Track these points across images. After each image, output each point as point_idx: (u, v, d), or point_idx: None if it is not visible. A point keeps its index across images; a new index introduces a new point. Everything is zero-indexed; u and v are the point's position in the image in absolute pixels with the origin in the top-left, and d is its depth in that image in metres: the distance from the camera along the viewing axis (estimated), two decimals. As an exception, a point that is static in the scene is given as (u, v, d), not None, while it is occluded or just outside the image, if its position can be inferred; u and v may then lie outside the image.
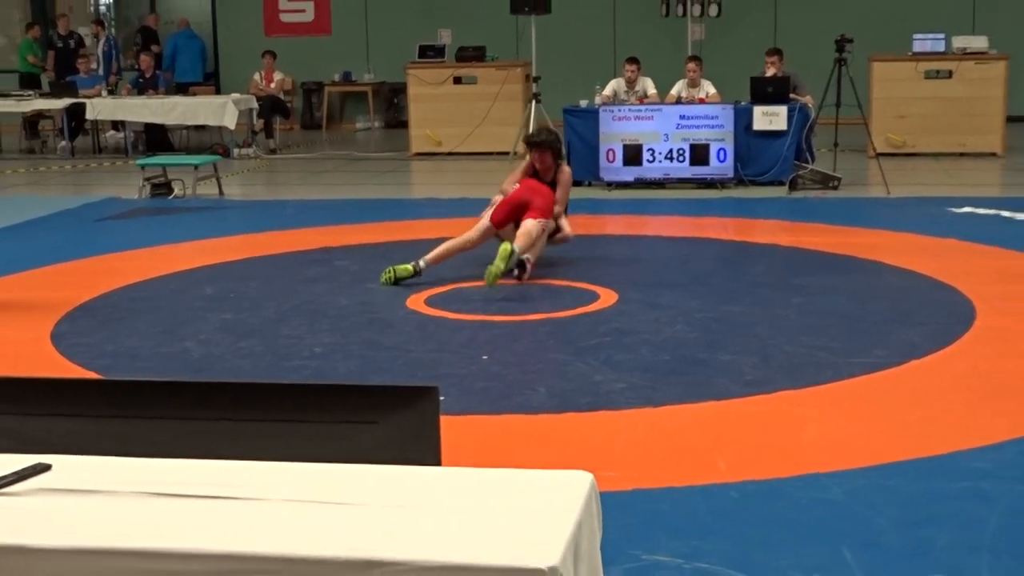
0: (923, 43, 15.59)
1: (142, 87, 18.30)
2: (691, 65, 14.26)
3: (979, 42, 15.52)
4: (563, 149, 9.33)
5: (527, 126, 15.85)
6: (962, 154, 15.31)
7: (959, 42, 15.55)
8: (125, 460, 2.67)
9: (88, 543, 2.28)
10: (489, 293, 8.29)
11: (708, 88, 14.18)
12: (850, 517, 4.45)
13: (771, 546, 4.22)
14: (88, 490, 2.48)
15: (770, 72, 14.25)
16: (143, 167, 13.54)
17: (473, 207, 10.29)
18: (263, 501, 2.44)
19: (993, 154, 15.27)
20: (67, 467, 2.59)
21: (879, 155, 14.15)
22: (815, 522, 4.42)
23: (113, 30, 21.84)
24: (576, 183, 13.46)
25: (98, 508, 2.42)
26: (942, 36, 15.63)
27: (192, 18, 21.05)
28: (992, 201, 11.83)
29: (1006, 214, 11.06)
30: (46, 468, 2.57)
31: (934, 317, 7.39)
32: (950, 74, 15.38)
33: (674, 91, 14.29)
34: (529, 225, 8.81)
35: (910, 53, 15.56)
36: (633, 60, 14.49)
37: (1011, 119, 15.70)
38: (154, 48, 19.96)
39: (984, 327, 7.13)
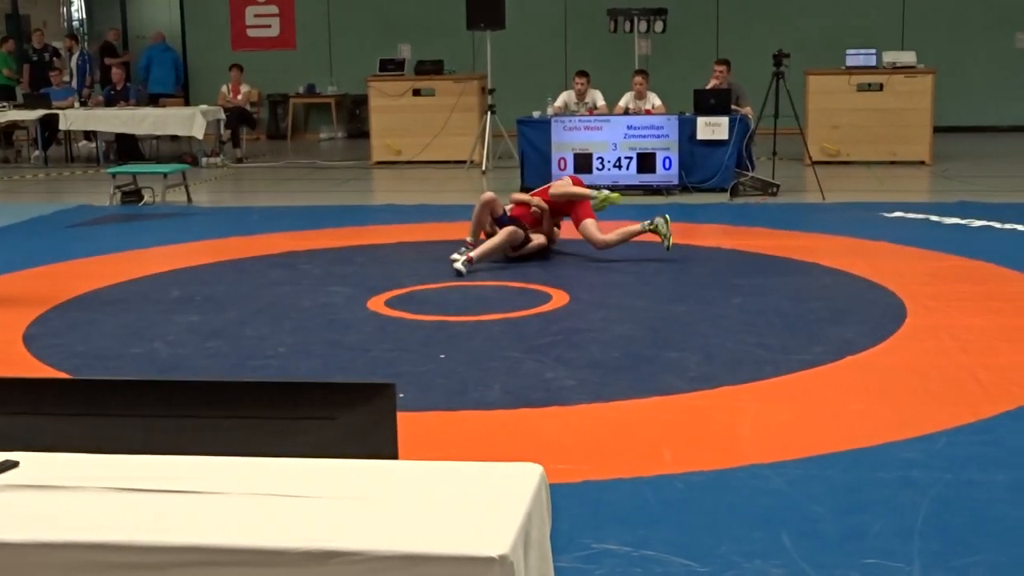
0: (856, 58, 15.70)
1: (113, 99, 18.18)
2: (638, 78, 14.30)
3: (908, 57, 15.65)
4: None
5: (483, 136, 15.85)
6: (892, 162, 15.42)
7: (889, 57, 15.67)
8: (93, 457, 2.63)
9: (54, 537, 2.24)
10: (445, 296, 8.29)
11: (654, 100, 14.23)
12: (789, 505, 4.46)
13: (715, 534, 4.22)
14: (55, 486, 2.44)
15: (712, 83, 14.30)
16: (114, 175, 13.43)
17: (431, 213, 10.30)
18: (226, 495, 2.41)
19: (921, 162, 15.39)
20: (35, 464, 2.55)
21: (815, 163, 14.22)
22: (756, 510, 4.42)
23: (86, 44, 21.68)
24: (529, 190, 13.52)
25: (65, 503, 2.38)
26: (873, 51, 15.74)
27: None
28: (921, 206, 11.91)
29: (934, 218, 11.14)
30: (14, 465, 2.53)
31: (868, 315, 7.43)
32: (881, 87, 15.49)
33: (622, 103, 14.32)
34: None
35: (844, 67, 15.67)
36: (583, 73, 14.51)
37: (938, 129, 15.84)
38: (108, 61, 19.77)
39: (915, 325, 7.17)
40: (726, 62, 14.58)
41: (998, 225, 10.65)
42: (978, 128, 19.35)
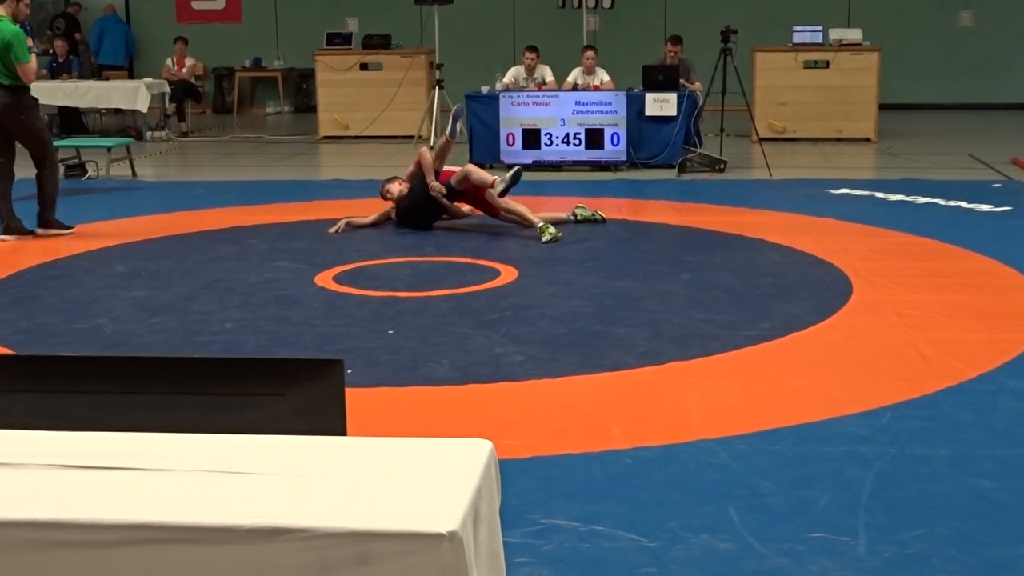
0: (802, 35, 15.76)
1: (56, 71, 17.95)
2: (588, 53, 14.26)
3: (854, 34, 15.73)
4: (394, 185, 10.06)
5: (431, 111, 15.79)
6: (838, 139, 15.51)
7: (836, 34, 15.74)
8: (36, 433, 2.60)
9: (-3, 515, 2.21)
10: (394, 271, 8.27)
11: (603, 76, 14.21)
12: (736, 480, 4.48)
13: (663, 508, 4.24)
14: (-2, 463, 2.41)
15: (670, 60, 14.29)
16: (57, 149, 13.24)
17: (378, 188, 10.23)
18: (172, 472, 2.39)
19: (867, 139, 15.50)
20: (-23, 441, 2.52)
21: (762, 140, 14.29)
22: (704, 485, 4.44)
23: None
24: (479, 165, 13.49)
25: (8, 480, 2.35)
26: (820, 28, 15.81)
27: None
28: (866, 183, 12.00)
29: (879, 195, 11.22)
30: (-44, 442, 2.49)
31: (814, 291, 7.48)
32: (827, 64, 15.56)
33: (570, 78, 14.29)
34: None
35: (790, 44, 15.72)
36: (533, 48, 14.46)
37: (883, 107, 15.94)
38: (77, 36, 19.68)
39: (860, 301, 7.22)
40: (679, 40, 14.55)
41: (942, 202, 10.75)
42: (923, 106, 19.51)
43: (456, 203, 9.93)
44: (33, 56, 9.63)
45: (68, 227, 9.87)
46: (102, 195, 11.93)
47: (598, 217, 9.98)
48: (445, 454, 2.49)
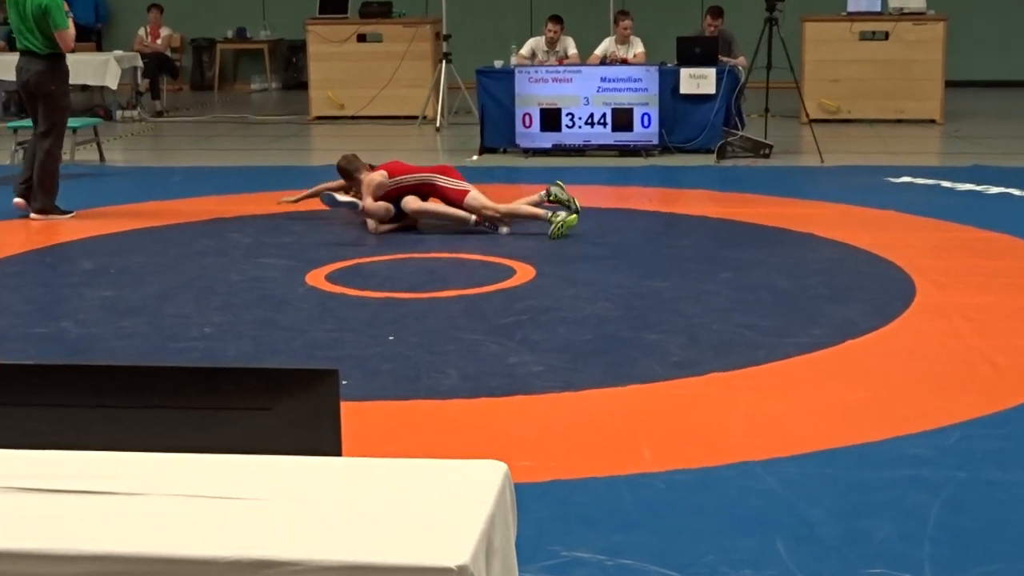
0: (858, 2, 15.73)
1: (14, 41, 17.98)
2: (625, 22, 14.20)
3: (917, 2, 15.69)
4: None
5: (437, 89, 15.80)
6: (899, 120, 15.49)
7: (896, 2, 15.71)
8: (-10, 452, 2.60)
9: (-54, 544, 2.20)
10: (395, 269, 8.27)
11: (637, 47, 14.15)
12: (784, 508, 4.47)
13: (700, 540, 4.22)
14: (-53, 485, 2.41)
15: (709, 33, 14.26)
16: (15, 130, 13.29)
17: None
18: (146, 496, 2.39)
19: (932, 121, 15.47)
20: (-76, 460, 2.52)
21: (812, 121, 14.27)
22: (747, 514, 4.43)
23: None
24: (490, 150, 13.53)
25: (-42, 505, 2.35)
26: (879, -5, 15.80)
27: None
28: (931, 171, 11.97)
29: (946, 184, 11.20)
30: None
31: (872, 293, 7.46)
32: (886, 36, 15.54)
33: (599, 50, 14.26)
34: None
35: (844, 13, 15.70)
36: (556, 19, 14.41)
37: (950, 84, 15.90)
38: None
39: (924, 303, 7.20)
40: (719, 12, 14.49)
41: (1016, 192, 10.72)
42: (995, 83, 19.47)
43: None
44: (71, 22, 10.02)
45: (66, 212, 10.19)
46: (66, 182, 11.92)
47: (572, 206, 9.45)
48: (453, 477, 2.48)
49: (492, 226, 9.40)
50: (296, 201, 10.09)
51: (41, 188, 10.08)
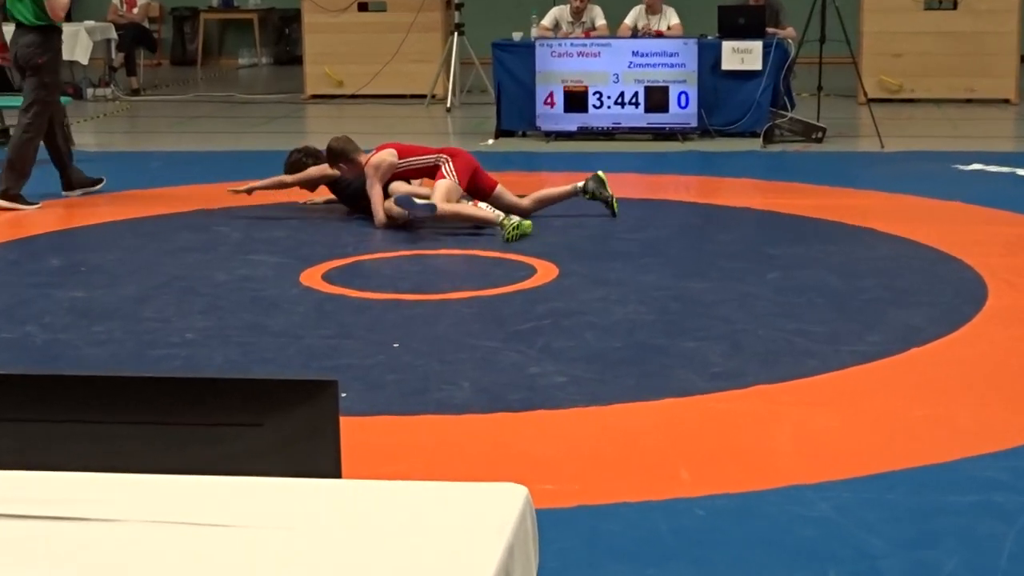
0: (923, -33, 15.71)
1: None
2: None
3: (990, -34, 15.66)
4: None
5: (448, 65, 15.81)
6: (969, 100, 15.45)
7: (966, -34, 15.68)
8: (-54, 472, 2.60)
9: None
10: (400, 267, 8.27)
11: (672, 18, 14.13)
12: (839, 538, 4.46)
13: (744, 573, 4.21)
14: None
15: (754, 1, 14.23)
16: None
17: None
18: (120, 523, 2.39)
19: (1005, 101, 15.43)
20: None
21: (871, 101, 14.23)
22: (797, 544, 4.42)
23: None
24: (508, 133, 13.53)
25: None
26: (946, -42, 15.76)
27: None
28: (1005, 157, 11.95)
29: (1021, 172, 11.16)
30: None
31: (937, 296, 7.45)
32: (955, 4, 15.51)
33: (628, 20, 14.26)
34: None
35: (908, -21, 15.68)
36: (585, -14, 14.39)
37: (1026, 60, 15.87)
38: None
39: (997, 307, 7.18)
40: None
41: (1103, 182, 10.70)
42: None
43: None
44: None
45: (30, 202, 10.29)
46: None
47: (611, 204, 9.61)
48: (467, 502, 2.48)
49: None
50: (248, 192, 9.95)
51: (10, 168, 10.19)
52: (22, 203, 10.14)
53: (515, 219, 9.00)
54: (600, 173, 9.66)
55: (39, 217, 9.94)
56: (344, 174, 9.66)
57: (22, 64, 10.26)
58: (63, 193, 10.54)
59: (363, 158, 9.53)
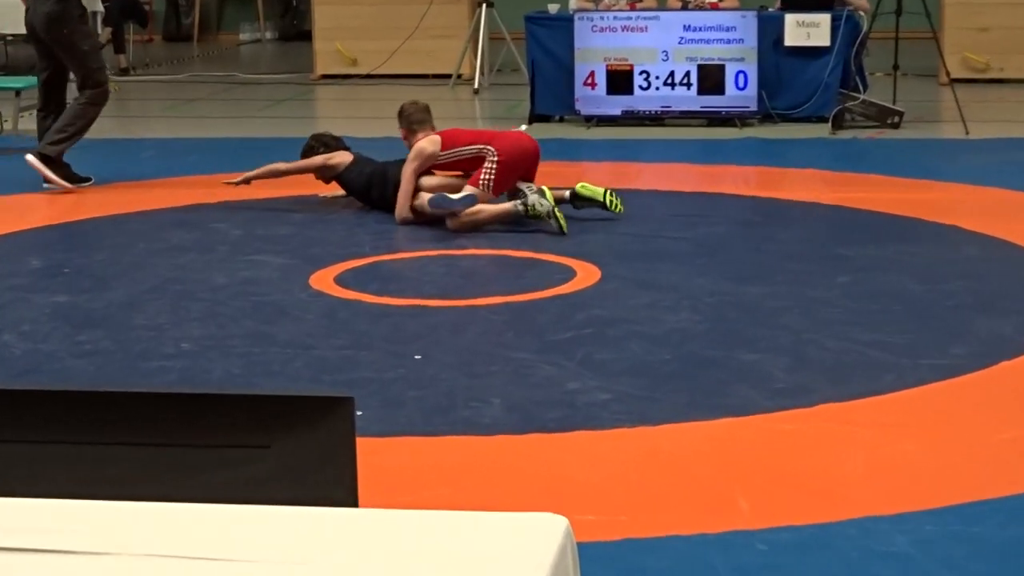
0: (1014, -71, 15.66)
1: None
2: None
3: (1090, -72, 15.61)
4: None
5: (475, 40, 15.82)
6: (1066, 81, 15.40)
7: (1063, -73, 15.63)
8: (-86, 499, 2.61)
9: None
10: (424, 268, 8.28)
11: (724, -13, 14.14)
12: (919, 575, 4.44)
13: (811, 616, 4.21)
14: None
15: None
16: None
17: (401, 150, 10.25)
18: (109, 556, 2.39)
19: (1108, 81, 15.38)
20: None
21: (954, 81, 14.18)
22: (871, 583, 4.42)
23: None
24: (543, 118, 13.52)
25: None
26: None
27: None
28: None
29: None
30: None
31: (1030, 302, 7.44)
32: (1051, -28, 15.46)
33: (679, -11, 14.25)
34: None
35: (997, -58, 15.64)
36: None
37: None
38: None
39: (1098, 316, 7.17)
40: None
41: None
42: None
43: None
44: None
45: (84, 179, 10.68)
46: (6, 158, 12.02)
47: (612, 203, 9.34)
48: (499, 535, 2.48)
49: None
50: (245, 182, 9.95)
51: (62, 133, 10.51)
52: (65, 177, 10.53)
53: (539, 200, 9.00)
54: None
55: (15, 211, 9.97)
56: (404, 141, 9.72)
57: (41, 37, 10.48)
58: (44, 185, 10.62)
59: (419, 138, 9.53)
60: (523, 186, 9.17)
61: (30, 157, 10.43)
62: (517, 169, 9.32)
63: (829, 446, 5.57)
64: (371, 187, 9.62)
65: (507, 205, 9.09)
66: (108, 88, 10.93)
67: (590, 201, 9.30)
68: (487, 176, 9.18)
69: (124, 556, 2.40)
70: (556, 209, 8.91)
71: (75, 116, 10.61)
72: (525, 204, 9.03)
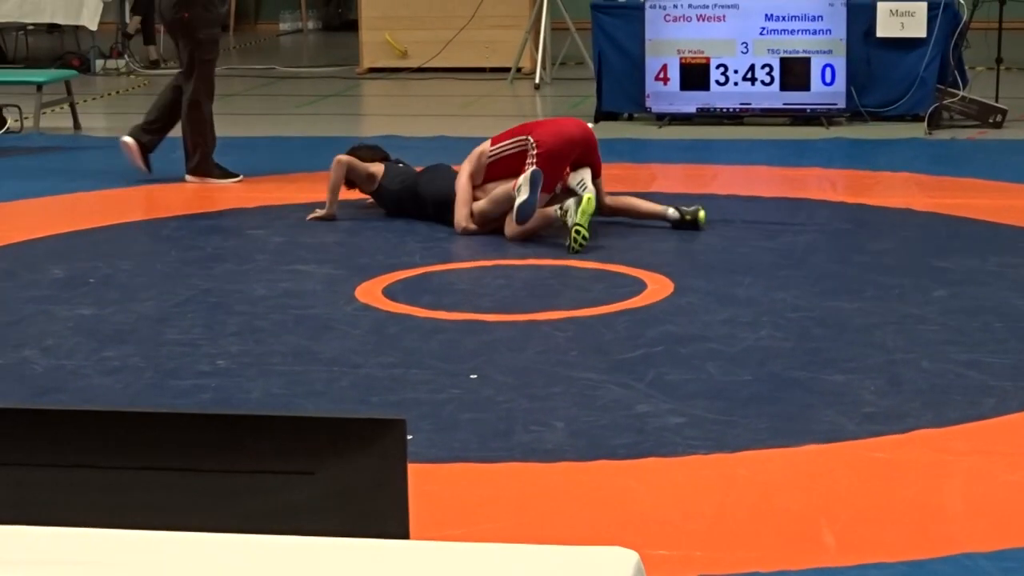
0: None
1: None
2: None
3: None
4: None
5: (537, 30, 15.83)
6: None
7: None
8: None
9: None
10: (480, 280, 8.28)
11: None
12: (1023, 619, 4.44)
13: (904, 663, 4.20)
14: None
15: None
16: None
17: (455, 150, 10.27)
18: (139, 591, 2.41)
19: None
20: None
21: (1064, 76, 14.15)
22: (971, 627, 4.40)
23: None
24: (611, 116, 13.52)
25: None
26: None
27: None
28: None
29: None
30: None
31: None
32: None
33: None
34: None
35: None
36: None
37: None
38: None
39: None
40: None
41: None
42: None
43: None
44: None
45: (233, 175, 11.09)
46: (28, 158, 12.10)
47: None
48: (564, 570, 2.48)
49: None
50: (327, 215, 9.79)
51: (193, 146, 10.85)
52: (221, 176, 10.90)
53: (573, 210, 8.82)
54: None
55: (36, 216, 10.01)
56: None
57: (168, 24, 10.99)
58: (187, 177, 11.03)
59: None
60: (575, 184, 9.16)
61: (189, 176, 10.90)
62: (562, 158, 9.27)
63: (924, 476, 5.55)
64: (402, 205, 9.63)
65: (550, 209, 9.04)
66: (211, 79, 11.27)
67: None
68: (531, 162, 9.14)
69: (156, 590, 2.41)
70: (580, 227, 8.77)
71: (196, 129, 11.00)
72: (562, 210, 8.95)
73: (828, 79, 13.22)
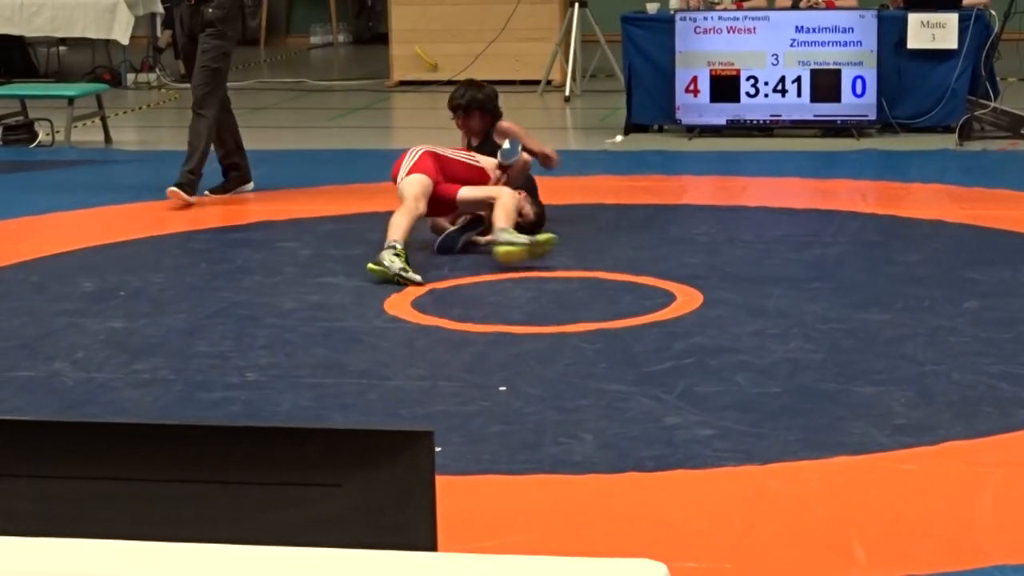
0: None
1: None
2: None
3: None
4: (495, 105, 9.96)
5: (567, 43, 15.83)
6: None
7: None
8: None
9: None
10: (509, 292, 8.27)
11: (839, -15, 14.11)
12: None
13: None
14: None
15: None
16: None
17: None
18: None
19: None
20: None
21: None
22: (1002, 641, 4.39)
23: None
24: (640, 128, 13.50)
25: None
26: None
27: None
28: None
29: None
30: None
31: None
32: None
33: (789, -12, 14.23)
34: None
35: None
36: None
37: None
38: None
39: None
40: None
41: None
42: None
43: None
44: None
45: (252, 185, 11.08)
46: (59, 172, 12.13)
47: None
48: (593, 582, 2.48)
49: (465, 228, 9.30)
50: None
51: (192, 155, 10.82)
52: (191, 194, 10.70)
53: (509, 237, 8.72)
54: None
55: (66, 230, 10.03)
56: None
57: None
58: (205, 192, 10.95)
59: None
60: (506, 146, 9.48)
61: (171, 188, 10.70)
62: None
63: (955, 488, 5.54)
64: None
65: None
66: (221, 90, 11.34)
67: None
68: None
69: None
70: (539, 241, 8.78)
71: (198, 137, 10.99)
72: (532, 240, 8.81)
73: (859, 91, 13.19)
